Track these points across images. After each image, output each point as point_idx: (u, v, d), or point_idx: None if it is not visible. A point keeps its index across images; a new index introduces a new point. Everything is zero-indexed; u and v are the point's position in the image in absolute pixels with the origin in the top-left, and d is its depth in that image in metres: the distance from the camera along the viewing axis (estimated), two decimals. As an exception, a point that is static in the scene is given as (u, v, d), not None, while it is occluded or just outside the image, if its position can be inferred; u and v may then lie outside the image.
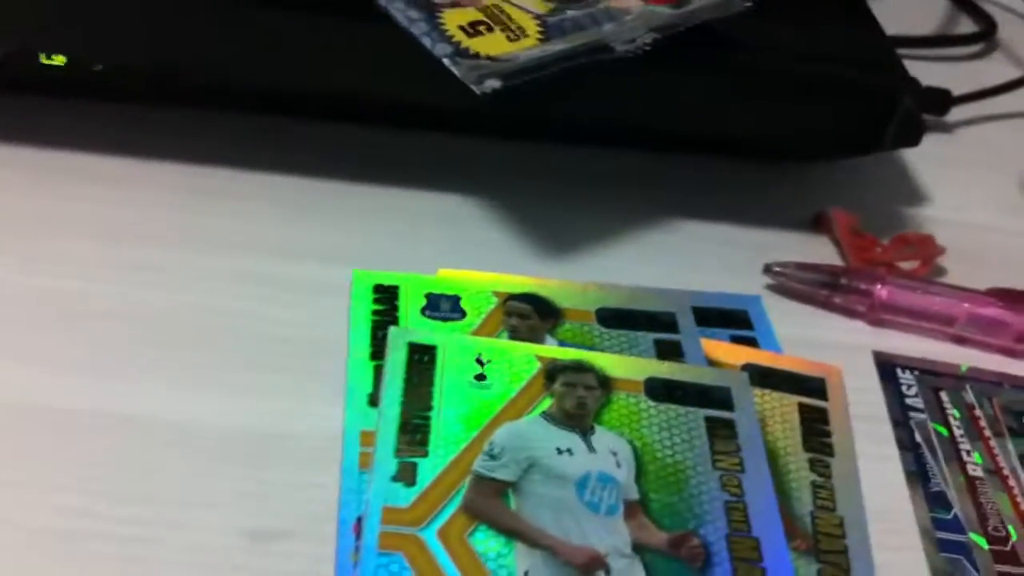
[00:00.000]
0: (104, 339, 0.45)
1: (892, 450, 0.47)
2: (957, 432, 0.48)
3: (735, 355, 0.49)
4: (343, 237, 0.51)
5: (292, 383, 0.44)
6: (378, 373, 0.45)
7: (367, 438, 0.42)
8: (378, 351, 0.46)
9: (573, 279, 0.51)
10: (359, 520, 0.39)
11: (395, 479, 0.41)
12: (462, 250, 0.52)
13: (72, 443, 0.41)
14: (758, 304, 0.52)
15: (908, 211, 0.60)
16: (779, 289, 0.54)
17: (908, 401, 0.49)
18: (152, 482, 0.40)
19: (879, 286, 0.52)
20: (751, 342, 0.50)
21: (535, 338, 0.48)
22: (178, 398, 0.43)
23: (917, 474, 0.46)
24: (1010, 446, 0.47)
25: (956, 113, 0.67)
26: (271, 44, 0.51)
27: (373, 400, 0.44)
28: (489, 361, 0.46)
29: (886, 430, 0.48)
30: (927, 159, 0.62)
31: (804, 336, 0.51)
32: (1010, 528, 0.44)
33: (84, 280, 0.47)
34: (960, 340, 0.53)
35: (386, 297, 0.48)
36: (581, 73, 0.48)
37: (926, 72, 0.64)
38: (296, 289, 0.48)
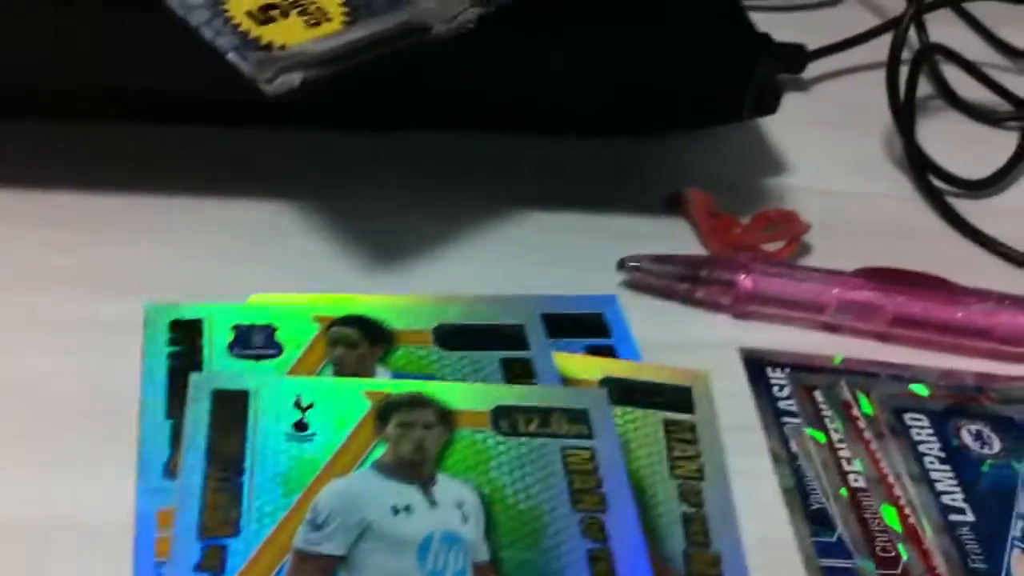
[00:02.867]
0: None
1: (767, 463, 0.43)
2: (835, 437, 0.43)
3: (592, 369, 0.44)
4: (131, 263, 0.44)
5: (71, 455, 0.38)
6: (177, 434, 0.38)
7: (165, 519, 0.36)
8: (177, 406, 0.39)
9: (406, 292, 0.46)
10: (158, 627, 0.33)
11: (199, 569, 0.34)
12: (276, 269, 0.46)
13: None
14: (614, 305, 0.47)
15: (769, 183, 0.56)
16: (636, 285, 0.49)
17: (781, 404, 0.45)
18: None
19: (743, 275, 0.48)
20: (608, 351, 0.45)
21: (364, 370, 0.42)
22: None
23: (796, 490, 0.42)
24: (892, 448, 0.43)
25: (812, 69, 0.62)
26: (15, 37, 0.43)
27: (171, 470, 0.37)
28: (311, 405, 0.39)
29: (759, 441, 0.44)
30: (785, 122, 0.57)
31: (665, 338, 0.47)
32: (900, 548, 0.40)
33: None
34: (832, 328, 0.48)
35: (186, 335, 0.42)
36: (395, 58, 0.42)
37: (778, 24, 0.59)
38: (73, 331, 0.41)
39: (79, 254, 0.44)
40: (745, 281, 0.48)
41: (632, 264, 0.48)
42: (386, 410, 0.40)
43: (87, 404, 0.39)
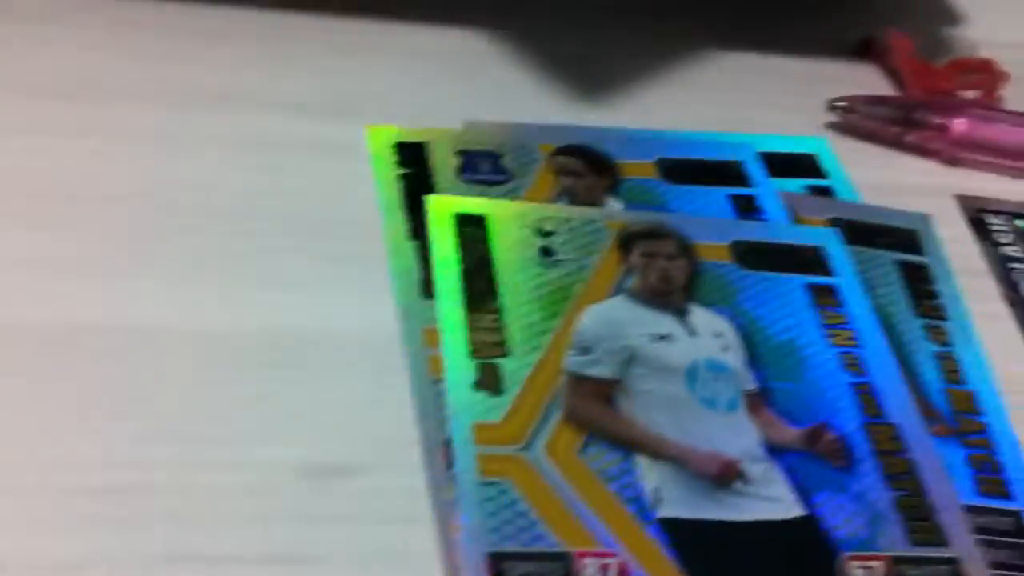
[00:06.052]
0: (75, 231, 0.35)
1: (1000, 308, 0.41)
2: (1067, 284, 0.42)
3: (818, 208, 0.42)
4: (348, 84, 0.42)
5: (317, 272, 0.36)
6: (422, 254, 0.36)
7: (431, 337, 0.34)
8: (417, 227, 0.37)
9: (615, 124, 0.44)
10: (445, 443, 0.32)
11: (478, 387, 0.33)
12: (487, 97, 0.44)
13: (69, 369, 0.32)
14: (825, 147, 0.45)
15: (946, 34, 0.54)
16: (844, 127, 0.47)
17: (1006, 251, 0.43)
18: (172, 414, 0.32)
19: (959, 119, 0.46)
20: (827, 192, 0.44)
21: (594, 200, 0.40)
22: (179, 300, 0.34)
23: (1035, 335, 0.40)
24: None
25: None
26: None
27: (426, 288, 0.36)
28: (553, 232, 0.38)
29: (989, 286, 0.42)
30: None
31: (877, 182, 0.45)
32: None
33: (51, 157, 0.37)
34: (1038, 178, 0.47)
35: (412, 158, 0.40)
36: None
37: None
38: (299, 151, 0.39)
39: (292, 74, 0.42)
40: (961, 125, 0.46)
41: (841, 105, 0.46)
42: (628, 239, 0.38)
43: (323, 222, 0.37)
